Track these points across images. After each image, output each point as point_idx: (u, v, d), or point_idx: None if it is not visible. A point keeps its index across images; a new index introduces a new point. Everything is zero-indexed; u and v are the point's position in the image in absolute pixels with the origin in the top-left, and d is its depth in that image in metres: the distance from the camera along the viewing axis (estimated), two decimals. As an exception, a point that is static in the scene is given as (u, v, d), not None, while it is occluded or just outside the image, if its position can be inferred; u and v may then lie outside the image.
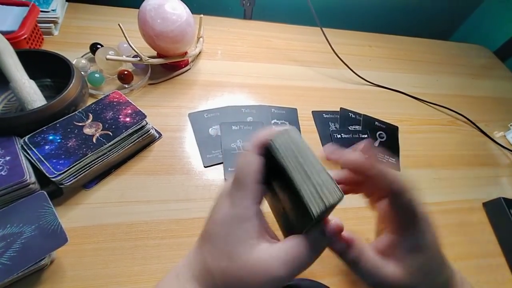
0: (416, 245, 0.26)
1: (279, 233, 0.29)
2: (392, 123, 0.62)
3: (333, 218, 0.25)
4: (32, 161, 0.38)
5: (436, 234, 0.26)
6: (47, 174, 0.36)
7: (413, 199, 0.25)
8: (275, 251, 0.23)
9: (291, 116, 0.58)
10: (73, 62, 0.49)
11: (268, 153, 0.25)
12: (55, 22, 0.60)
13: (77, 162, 0.38)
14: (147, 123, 0.45)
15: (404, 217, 0.26)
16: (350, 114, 0.61)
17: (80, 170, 0.39)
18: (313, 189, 0.23)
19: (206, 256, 0.25)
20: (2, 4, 0.56)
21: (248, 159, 0.25)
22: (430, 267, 0.26)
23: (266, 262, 0.23)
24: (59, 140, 0.40)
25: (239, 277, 0.23)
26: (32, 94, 0.43)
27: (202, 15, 0.62)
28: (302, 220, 0.24)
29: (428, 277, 0.26)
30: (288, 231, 0.29)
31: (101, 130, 0.42)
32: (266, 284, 0.23)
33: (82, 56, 0.56)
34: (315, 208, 0.22)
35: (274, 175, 0.26)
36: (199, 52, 0.65)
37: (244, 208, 0.24)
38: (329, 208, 0.23)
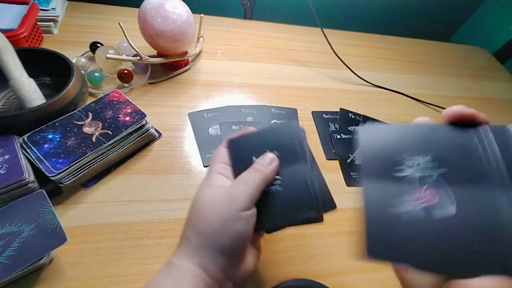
0: None
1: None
2: (391, 124, 0.62)
3: None
4: (31, 159, 0.37)
5: None
6: (46, 173, 0.36)
7: None
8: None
9: (291, 116, 0.58)
10: (73, 61, 0.48)
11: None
12: (55, 21, 0.60)
13: (76, 161, 0.38)
14: (146, 122, 0.45)
15: None
16: (350, 114, 0.61)
17: (80, 169, 0.39)
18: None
19: (184, 227, 0.28)
20: (2, 2, 0.55)
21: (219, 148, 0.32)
22: None
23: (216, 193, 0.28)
24: (58, 139, 0.40)
25: (196, 210, 0.27)
26: (31, 92, 0.43)
27: (202, 15, 0.61)
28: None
29: None
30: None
31: (101, 129, 0.42)
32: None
33: (82, 55, 0.56)
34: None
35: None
36: (199, 52, 0.65)
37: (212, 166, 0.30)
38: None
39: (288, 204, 0.28)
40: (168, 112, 0.53)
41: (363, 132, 0.24)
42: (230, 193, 0.27)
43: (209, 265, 0.25)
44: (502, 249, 0.17)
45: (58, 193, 0.40)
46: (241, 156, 0.30)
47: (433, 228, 0.19)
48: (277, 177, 0.29)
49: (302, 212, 0.27)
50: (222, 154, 0.31)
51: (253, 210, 0.27)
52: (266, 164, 0.29)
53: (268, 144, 0.30)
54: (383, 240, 0.20)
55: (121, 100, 0.47)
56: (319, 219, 0.27)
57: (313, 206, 0.27)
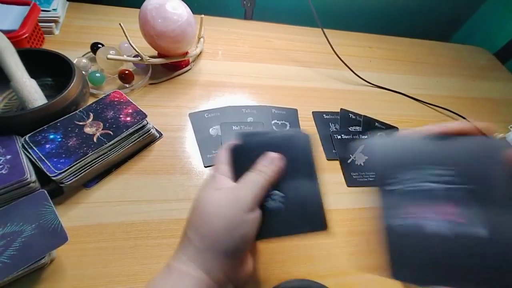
0: None
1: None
2: (392, 124, 0.62)
3: None
4: (33, 160, 0.38)
5: None
6: (47, 173, 0.36)
7: None
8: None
9: (291, 116, 0.58)
10: (74, 62, 0.49)
11: None
12: (56, 21, 0.60)
13: (77, 161, 0.38)
14: (147, 123, 0.45)
15: None
16: (350, 115, 0.61)
17: (81, 169, 0.39)
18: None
19: (186, 230, 0.27)
20: (3, 3, 0.56)
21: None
22: None
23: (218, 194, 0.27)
24: (59, 139, 0.40)
25: (199, 213, 0.26)
26: (33, 93, 0.43)
27: (203, 15, 0.62)
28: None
29: None
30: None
31: (102, 130, 0.42)
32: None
33: (83, 56, 0.56)
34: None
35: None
36: (200, 52, 0.65)
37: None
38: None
39: (292, 217, 0.28)
40: (169, 113, 0.53)
41: (375, 145, 0.23)
42: (235, 194, 0.26)
43: (213, 268, 0.25)
44: None
45: (59, 193, 0.40)
46: (243, 160, 0.29)
47: (462, 249, 0.17)
48: (277, 192, 0.28)
49: (307, 226, 0.27)
50: (224, 155, 0.30)
51: (258, 212, 0.27)
52: (268, 164, 0.28)
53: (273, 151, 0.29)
54: (407, 260, 0.18)
55: (122, 100, 0.47)
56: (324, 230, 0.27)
57: (322, 222, 0.27)
